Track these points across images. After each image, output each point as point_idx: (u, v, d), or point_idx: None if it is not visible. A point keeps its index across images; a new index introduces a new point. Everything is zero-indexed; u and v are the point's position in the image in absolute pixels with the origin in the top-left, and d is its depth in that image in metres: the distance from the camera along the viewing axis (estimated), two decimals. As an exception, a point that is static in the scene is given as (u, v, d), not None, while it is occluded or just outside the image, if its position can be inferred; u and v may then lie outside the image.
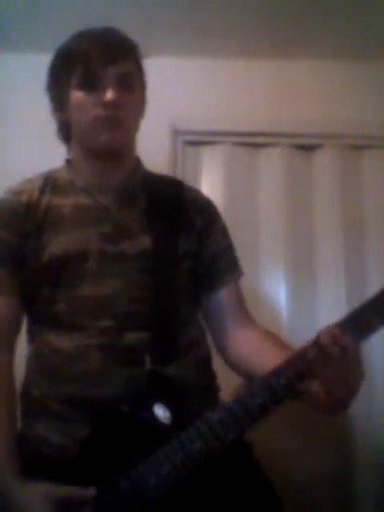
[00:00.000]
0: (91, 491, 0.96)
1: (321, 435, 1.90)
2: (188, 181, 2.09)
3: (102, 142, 1.16)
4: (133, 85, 1.20)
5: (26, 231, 1.17)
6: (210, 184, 2.15)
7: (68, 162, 1.28)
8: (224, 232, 1.31)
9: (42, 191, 1.21)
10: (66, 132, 1.26)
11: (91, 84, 1.16)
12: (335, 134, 2.17)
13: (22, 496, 0.99)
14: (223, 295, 1.25)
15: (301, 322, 2.04)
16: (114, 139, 1.17)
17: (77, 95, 1.17)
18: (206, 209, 1.30)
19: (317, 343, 0.97)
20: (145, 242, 1.17)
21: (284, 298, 2.08)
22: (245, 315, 1.26)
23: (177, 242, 1.19)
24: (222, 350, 1.24)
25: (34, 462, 1.06)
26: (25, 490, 1.00)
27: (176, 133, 2.14)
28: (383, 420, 2.00)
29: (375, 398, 2.01)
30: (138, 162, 1.30)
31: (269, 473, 1.15)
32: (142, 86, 1.26)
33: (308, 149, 2.21)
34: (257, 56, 2.15)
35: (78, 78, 1.17)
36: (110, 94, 1.14)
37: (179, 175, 2.09)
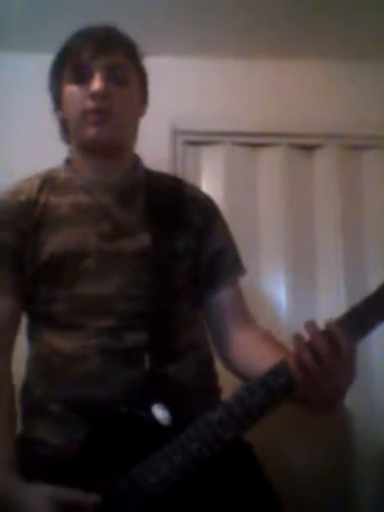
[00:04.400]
0: (94, 496, 0.95)
1: (321, 434, 1.90)
2: (188, 181, 2.11)
3: (90, 135, 1.15)
4: (125, 78, 1.19)
5: (24, 231, 1.16)
6: (210, 184, 2.15)
7: (67, 161, 1.27)
8: (225, 229, 1.30)
9: (39, 190, 1.20)
10: (65, 131, 1.25)
11: (81, 76, 1.15)
12: (335, 134, 2.17)
13: (24, 497, 0.98)
14: (225, 295, 1.24)
15: (301, 321, 2.02)
16: (101, 133, 1.15)
17: (68, 89, 1.18)
18: (205, 206, 1.29)
19: (311, 342, 0.96)
20: (144, 240, 1.16)
21: (284, 297, 2.08)
22: (245, 316, 1.25)
23: (176, 240, 1.18)
24: (221, 350, 1.24)
25: (34, 463, 1.06)
26: (27, 491, 0.99)
27: (176, 133, 2.14)
28: (383, 420, 2.00)
29: (375, 397, 2.01)
30: (137, 160, 1.29)
31: (269, 472, 1.15)
32: (141, 83, 1.25)
33: (308, 149, 2.21)
34: (257, 56, 2.15)
35: (68, 71, 1.17)
36: (96, 84, 1.13)
37: (179, 175, 2.09)
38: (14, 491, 1.00)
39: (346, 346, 0.94)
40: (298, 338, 0.98)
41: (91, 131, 1.15)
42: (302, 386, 0.96)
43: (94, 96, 1.13)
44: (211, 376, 1.23)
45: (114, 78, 1.16)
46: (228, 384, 1.22)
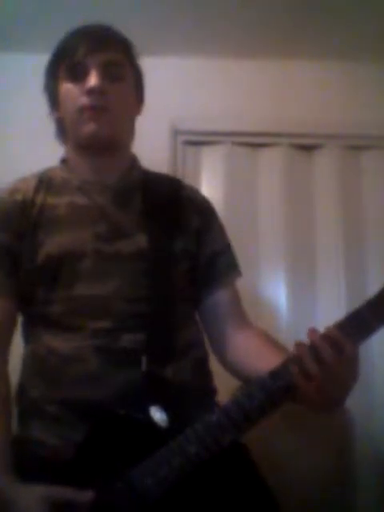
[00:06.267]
0: (89, 494, 0.95)
1: (321, 435, 1.90)
2: (188, 181, 2.09)
3: (88, 132, 1.15)
4: (121, 75, 1.19)
5: (21, 231, 1.15)
6: (210, 184, 2.15)
7: (63, 161, 1.27)
8: (222, 231, 1.30)
9: (36, 190, 1.19)
10: (61, 131, 1.25)
11: (76, 73, 1.16)
12: (335, 134, 2.17)
13: (19, 498, 0.98)
14: (221, 297, 1.23)
15: (301, 322, 2.04)
16: (99, 130, 1.15)
17: (64, 86, 1.18)
18: (203, 208, 1.29)
19: (313, 346, 0.94)
20: (141, 241, 1.15)
21: (284, 298, 2.08)
22: (242, 317, 1.25)
23: (173, 242, 1.18)
24: (219, 353, 1.23)
25: (31, 464, 1.05)
26: (22, 491, 0.98)
27: (176, 133, 2.14)
28: (383, 420, 2.00)
29: (375, 398, 2.01)
30: (134, 160, 1.28)
31: (269, 473, 1.15)
32: (136, 81, 1.25)
33: (308, 149, 2.21)
34: (257, 56, 2.15)
35: (64, 69, 1.17)
36: (92, 80, 1.13)
37: (179, 175, 2.09)
38: (6, 491, 1.00)
39: (350, 349, 0.93)
40: (299, 345, 0.96)
41: (88, 127, 1.15)
42: (304, 389, 0.95)
43: (89, 92, 1.14)
44: (207, 376, 1.22)
45: (109, 74, 1.16)
46: (223, 384, 1.22)
